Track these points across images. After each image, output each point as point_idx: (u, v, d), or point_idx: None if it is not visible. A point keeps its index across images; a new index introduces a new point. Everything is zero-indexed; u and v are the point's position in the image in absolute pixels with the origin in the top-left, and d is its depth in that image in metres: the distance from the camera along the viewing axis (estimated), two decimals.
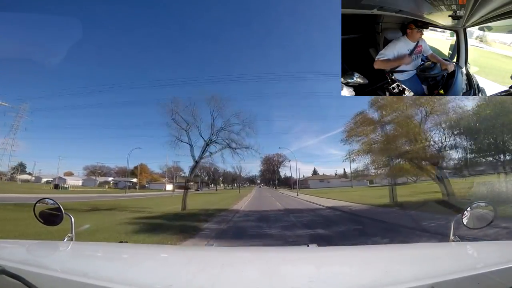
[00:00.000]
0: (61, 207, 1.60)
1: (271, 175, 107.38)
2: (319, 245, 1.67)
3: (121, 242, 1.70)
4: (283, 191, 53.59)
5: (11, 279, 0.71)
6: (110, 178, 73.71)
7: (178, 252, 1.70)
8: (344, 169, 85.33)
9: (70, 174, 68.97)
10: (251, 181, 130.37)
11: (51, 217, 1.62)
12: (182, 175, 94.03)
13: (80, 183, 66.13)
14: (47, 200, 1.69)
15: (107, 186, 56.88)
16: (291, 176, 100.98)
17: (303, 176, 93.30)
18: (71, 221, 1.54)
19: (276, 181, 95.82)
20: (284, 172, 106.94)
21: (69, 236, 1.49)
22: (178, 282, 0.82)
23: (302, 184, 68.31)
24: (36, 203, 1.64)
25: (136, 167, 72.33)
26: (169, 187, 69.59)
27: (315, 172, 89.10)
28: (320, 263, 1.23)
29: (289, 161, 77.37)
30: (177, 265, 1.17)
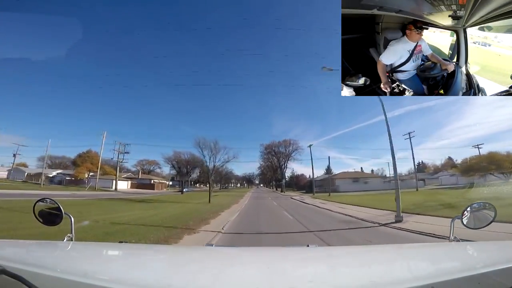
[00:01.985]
0: (61, 207, 1.60)
1: (273, 172, 77.03)
2: (319, 245, 1.67)
3: (121, 242, 1.70)
4: (304, 199, 31.16)
5: (11, 279, 0.71)
6: (58, 171, 54.04)
7: (178, 252, 1.70)
8: (362, 168, 65.80)
9: (23, 165, 53.84)
10: (249, 180, 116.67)
11: (51, 217, 1.61)
12: (158, 170, 71.87)
13: (5, 175, 48.27)
14: (47, 199, 1.69)
15: (41, 180, 41.51)
16: (303, 175, 71.78)
17: (309, 176, 68.46)
18: (71, 221, 1.54)
19: (283, 181, 66.35)
20: (292, 169, 79.02)
21: (69, 236, 1.49)
22: (178, 282, 0.82)
23: (322, 185, 50.47)
24: (36, 202, 1.64)
25: (80, 155, 50.30)
26: (124, 184, 52.80)
27: (328, 171, 64.75)
28: (320, 263, 1.23)
29: (310, 146, 51.82)
30: (177, 265, 1.16)
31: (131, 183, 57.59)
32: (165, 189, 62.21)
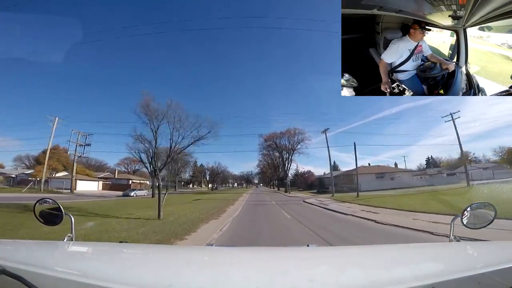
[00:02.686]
0: (61, 207, 1.60)
1: (274, 170, 64.47)
2: (319, 245, 1.67)
3: (121, 242, 1.70)
4: (326, 203, 21.44)
5: (11, 279, 0.71)
6: (28, 171, 46.66)
7: (178, 252, 1.70)
8: (369, 163, 50.46)
9: (0, 166, 49.09)
10: (247, 180, 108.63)
11: (51, 217, 1.62)
12: (142, 169, 54.18)
13: None
14: (47, 200, 1.69)
15: None
16: (309, 171, 61.33)
17: (311, 173, 61.83)
18: (71, 221, 1.54)
19: (288, 179, 52.10)
20: (296, 165, 63.32)
21: (69, 236, 1.49)
22: (178, 282, 0.82)
23: (337, 183, 39.09)
24: (36, 203, 1.64)
25: (44, 152, 40.96)
26: (93, 185, 46.29)
27: (335, 167, 55.24)
28: (320, 263, 1.23)
29: (325, 131, 38.22)
30: (177, 265, 1.16)
31: (103, 183, 50.45)
32: (145, 191, 53.13)
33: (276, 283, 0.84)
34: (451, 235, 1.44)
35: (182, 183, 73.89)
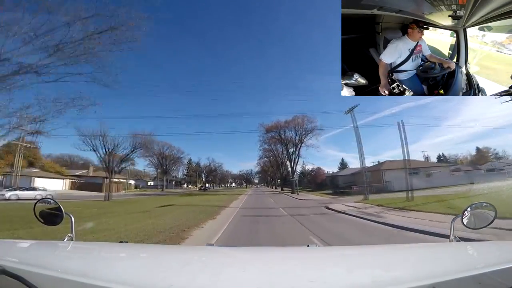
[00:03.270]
0: (62, 207, 1.60)
1: (277, 167, 54.99)
2: (319, 245, 1.68)
3: (121, 242, 1.70)
4: (389, 218, 10.52)
5: (11, 279, 0.71)
6: None
7: (178, 252, 1.70)
8: (378, 161, 42.09)
9: None
10: (247, 179, 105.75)
11: (51, 217, 1.62)
12: (129, 166, 42.97)
13: None
14: (47, 199, 1.69)
15: None
16: (320, 168, 52.03)
17: (317, 171, 53.13)
18: (71, 221, 1.54)
19: (296, 177, 41.52)
20: (302, 161, 53.81)
21: (69, 236, 1.49)
22: (178, 282, 0.82)
23: (354, 181, 32.61)
24: (36, 202, 1.65)
25: (8, 145, 32.24)
26: (58, 184, 38.51)
27: (343, 164, 51.13)
28: (320, 263, 1.23)
29: (352, 109, 25.20)
30: (177, 265, 1.16)
31: (71, 182, 42.57)
32: (123, 191, 44.49)
33: (276, 283, 0.84)
34: (451, 235, 1.44)
35: (174, 182, 69.67)
